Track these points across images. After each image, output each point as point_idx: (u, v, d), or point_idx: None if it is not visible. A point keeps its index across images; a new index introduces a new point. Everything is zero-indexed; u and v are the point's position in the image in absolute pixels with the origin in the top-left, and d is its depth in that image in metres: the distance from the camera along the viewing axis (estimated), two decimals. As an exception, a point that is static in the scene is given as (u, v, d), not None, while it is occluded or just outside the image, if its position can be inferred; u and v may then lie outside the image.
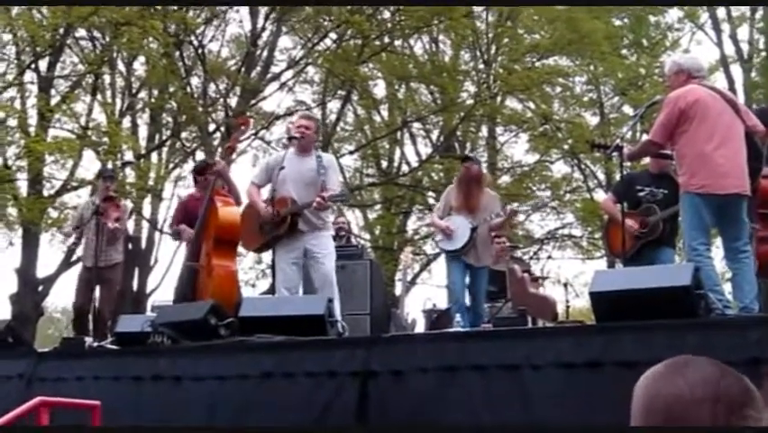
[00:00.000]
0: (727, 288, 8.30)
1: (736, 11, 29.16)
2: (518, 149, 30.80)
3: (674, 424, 1.92)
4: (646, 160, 10.45)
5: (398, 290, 15.89)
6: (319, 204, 9.11)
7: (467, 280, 11.08)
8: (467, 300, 11.24)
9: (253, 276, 27.96)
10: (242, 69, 25.26)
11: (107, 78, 25.92)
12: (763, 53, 28.94)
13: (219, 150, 24.20)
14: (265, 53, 26.02)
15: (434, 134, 29.53)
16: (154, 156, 26.14)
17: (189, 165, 26.66)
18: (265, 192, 9.82)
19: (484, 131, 29.63)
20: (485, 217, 10.80)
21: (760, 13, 28.85)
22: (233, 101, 25.25)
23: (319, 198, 9.10)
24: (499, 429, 6.23)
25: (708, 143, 7.74)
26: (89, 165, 25.00)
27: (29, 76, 23.58)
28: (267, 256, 18.87)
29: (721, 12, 29.12)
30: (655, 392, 1.99)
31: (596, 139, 9.18)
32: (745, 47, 29.10)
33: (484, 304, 11.31)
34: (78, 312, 11.99)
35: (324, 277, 9.38)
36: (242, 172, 26.63)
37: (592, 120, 29.63)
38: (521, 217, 27.67)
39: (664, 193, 9.65)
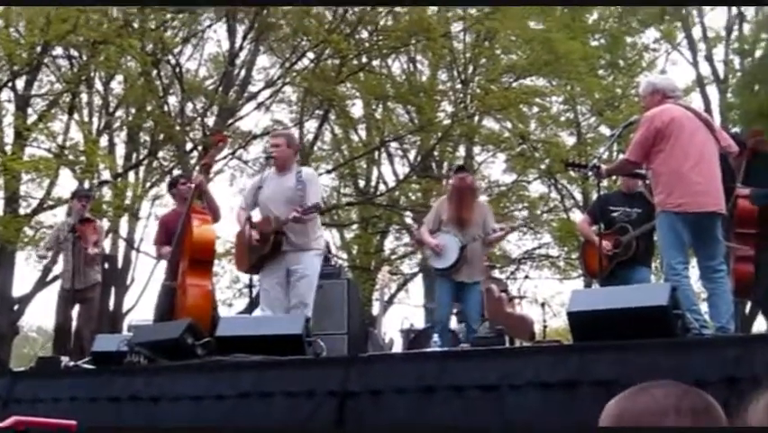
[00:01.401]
0: (704, 307, 8.34)
1: (712, 32, 29.38)
2: (496, 169, 30.92)
3: None
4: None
5: (376, 309, 15.88)
6: (294, 217, 9.10)
7: (454, 298, 11.03)
8: (452, 321, 11.24)
9: (230, 295, 27.92)
10: (220, 89, 25.24)
11: (84, 97, 25.84)
12: (739, 74, 29.11)
13: (196, 169, 24.20)
14: (243, 73, 26.02)
15: (412, 154, 29.54)
16: (131, 175, 26.06)
17: (166, 184, 26.62)
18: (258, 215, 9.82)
19: (461, 150, 29.65)
20: (478, 234, 10.71)
21: (735, 33, 29.05)
22: (210, 120, 25.24)
23: (294, 212, 9.09)
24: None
25: (685, 162, 7.78)
26: (66, 184, 24.94)
27: (5, 94, 23.51)
28: (244, 276, 18.86)
29: (697, 32, 29.34)
30: (622, 411, 2.03)
31: (571, 158, 9.20)
32: (720, 67, 29.29)
33: (479, 319, 11.23)
34: (59, 332, 11.94)
35: (297, 296, 9.35)
36: (219, 191, 26.62)
37: (569, 140, 29.73)
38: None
39: (638, 213, 9.71)
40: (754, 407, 2.02)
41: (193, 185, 10.77)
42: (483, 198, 11.68)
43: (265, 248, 9.40)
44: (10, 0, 21.43)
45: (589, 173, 9.50)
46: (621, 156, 11.10)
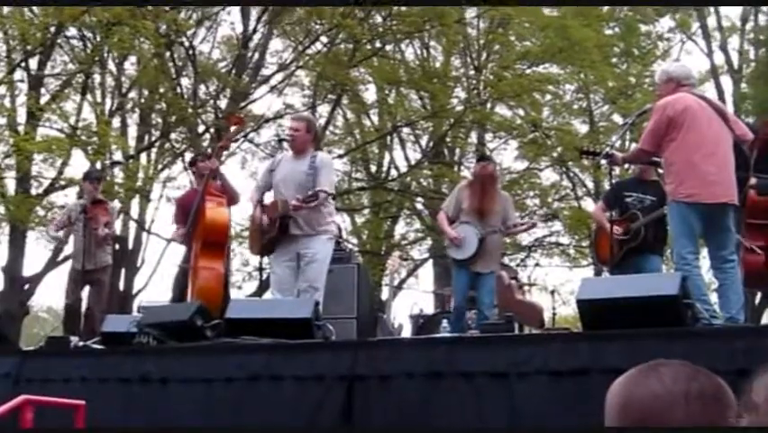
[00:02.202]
0: (714, 298, 8.32)
1: (727, 21, 29.30)
2: (507, 156, 30.78)
3: (650, 424, 1.92)
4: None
5: (385, 294, 15.87)
6: (294, 205, 9.09)
7: (470, 287, 11.04)
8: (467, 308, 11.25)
9: (240, 278, 27.95)
10: (233, 72, 25.23)
11: (97, 78, 25.82)
12: (753, 64, 29.01)
13: (209, 150, 24.20)
14: (256, 56, 25.98)
15: (424, 140, 29.52)
16: (143, 157, 26.09)
17: (178, 166, 26.70)
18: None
19: (473, 137, 29.61)
20: (498, 227, 10.71)
21: (750, 24, 28.95)
22: (222, 103, 25.21)
23: (294, 201, 9.08)
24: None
25: (697, 152, 7.75)
26: (78, 164, 24.97)
27: (19, 74, 23.48)
28: (254, 259, 18.87)
29: (712, 21, 29.24)
30: (629, 394, 1.99)
31: (585, 146, 9.15)
32: (735, 57, 29.21)
33: (492, 306, 11.22)
34: (70, 312, 11.95)
35: (306, 280, 9.33)
36: (230, 173, 26.56)
37: (582, 128, 29.67)
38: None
39: (652, 200, 9.68)
40: (758, 382, 2.00)
41: (210, 168, 10.80)
42: (504, 193, 11.60)
43: (272, 232, 9.40)
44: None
45: (604, 161, 9.48)
46: (633, 145, 11.07)
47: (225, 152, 11.87)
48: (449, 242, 10.92)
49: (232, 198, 10.93)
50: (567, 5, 25.70)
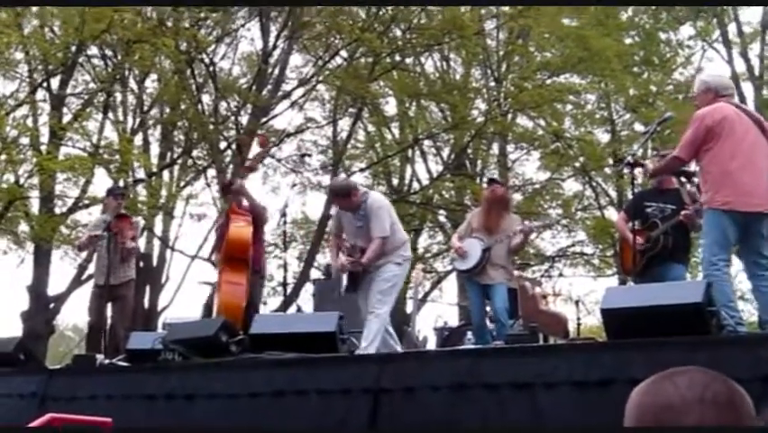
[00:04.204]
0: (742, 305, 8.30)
1: (748, 27, 29.20)
2: (529, 167, 30.74)
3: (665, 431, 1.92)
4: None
5: (409, 307, 15.87)
6: (352, 263, 9.70)
7: (485, 299, 11.01)
8: (487, 321, 11.20)
9: (264, 293, 27.94)
10: (254, 87, 25.29)
11: (119, 96, 25.97)
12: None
13: (231, 167, 24.30)
14: (276, 71, 26.05)
15: (445, 152, 29.49)
16: (165, 174, 26.19)
17: (200, 183, 26.79)
18: None
19: (495, 148, 29.61)
20: (501, 238, 10.72)
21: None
22: (243, 119, 25.27)
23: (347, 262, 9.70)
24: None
25: (733, 161, 7.78)
26: (101, 183, 25.05)
27: (41, 94, 23.66)
28: (278, 274, 18.88)
29: (732, 29, 29.16)
30: (645, 402, 1.98)
31: (624, 156, 9.13)
32: (756, 64, 29.10)
33: (506, 318, 11.19)
34: (93, 329, 11.96)
35: (370, 305, 9.62)
36: (252, 188, 26.55)
37: (603, 137, 29.62)
38: (533, 235, 27.61)
39: (672, 208, 9.65)
40: None
41: (234, 190, 10.93)
42: (515, 216, 11.60)
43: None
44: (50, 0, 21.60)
45: (637, 171, 9.48)
46: (652, 152, 11.03)
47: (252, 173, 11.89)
48: (454, 253, 10.98)
49: (259, 215, 10.98)
50: (602, 5, 25.67)
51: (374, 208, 9.89)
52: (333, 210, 10.52)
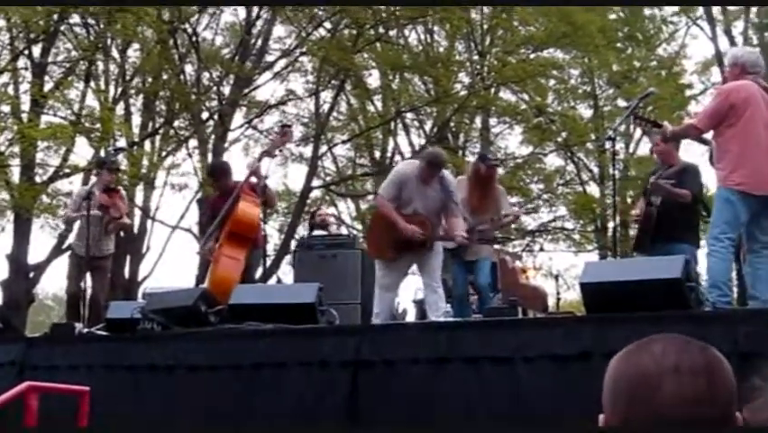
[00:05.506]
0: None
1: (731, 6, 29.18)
2: (512, 141, 30.75)
3: (640, 404, 1.87)
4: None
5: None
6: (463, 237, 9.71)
7: (468, 274, 11.02)
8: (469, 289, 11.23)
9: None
10: (236, 58, 25.20)
11: (101, 65, 25.81)
12: (758, 48, 28.92)
13: (212, 138, 24.28)
14: (259, 42, 25.95)
15: (428, 125, 29.47)
16: (147, 144, 26.09)
17: (182, 153, 26.72)
18: None
19: (478, 122, 29.59)
20: (490, 217, 10.68)
21: (755, 9, 28.84)
22: (226, 89, 25.22)
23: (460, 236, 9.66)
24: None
25: (753, 142, 7.73)
26: (82, 152, 24.95)
27: (22, 62, 23.50)
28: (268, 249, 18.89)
29: (716, 6, 29.12)
30: (620, 370, 1.93)
31: (640, 112, 9.00)
32: (740, 42, 29.08)
33: (490, 292, 11.21)
34: (73, 299, 11.92)
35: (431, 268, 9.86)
36: (233, 161, 26.46)
37: (586, 113, 29.65)
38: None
39: (672, 183, 9.58)
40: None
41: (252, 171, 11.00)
42: (500, 188, 11.54)
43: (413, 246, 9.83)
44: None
45: (654, 130, 9.43)
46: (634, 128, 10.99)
47: (228, 140, 11.82)
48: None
49: (270, 199, 11.22)
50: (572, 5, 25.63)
51: (453, 185, 10.02)
52: (396, 177, 10.32)
